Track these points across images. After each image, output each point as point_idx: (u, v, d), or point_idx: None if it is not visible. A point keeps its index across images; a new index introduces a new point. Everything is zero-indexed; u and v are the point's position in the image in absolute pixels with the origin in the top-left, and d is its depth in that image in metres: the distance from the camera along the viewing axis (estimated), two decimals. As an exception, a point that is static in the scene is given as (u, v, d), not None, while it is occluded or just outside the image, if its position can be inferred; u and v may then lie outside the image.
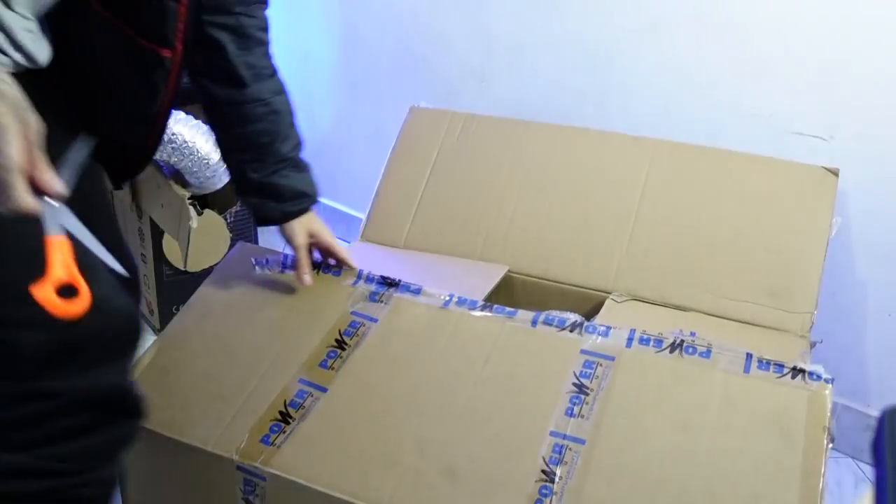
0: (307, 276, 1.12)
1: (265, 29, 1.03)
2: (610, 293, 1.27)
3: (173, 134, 1.66)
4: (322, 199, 2.36)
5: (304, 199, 1.11)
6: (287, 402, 0.97)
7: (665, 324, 1.22)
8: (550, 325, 1.04)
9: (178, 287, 1.80)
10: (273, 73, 1.05)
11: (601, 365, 0.97)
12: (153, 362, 1.06)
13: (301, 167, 1.11)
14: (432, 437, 0.92)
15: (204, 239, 1.74)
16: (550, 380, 0.97)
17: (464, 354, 1.01)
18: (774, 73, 1.50)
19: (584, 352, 0.99)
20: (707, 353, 0.97)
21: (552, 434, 0.90)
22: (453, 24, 1.94)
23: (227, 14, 0.97)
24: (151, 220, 1.82)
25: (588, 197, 1.37)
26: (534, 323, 1.04)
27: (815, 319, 1.18)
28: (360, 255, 1.31)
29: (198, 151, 1.68)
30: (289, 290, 1.15)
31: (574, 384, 0.95)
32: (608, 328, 1.02)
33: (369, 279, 1.14)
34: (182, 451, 0.96)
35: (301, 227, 1.12)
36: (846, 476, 1.55)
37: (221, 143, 1.10)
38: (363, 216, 1.48)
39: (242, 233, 2.08)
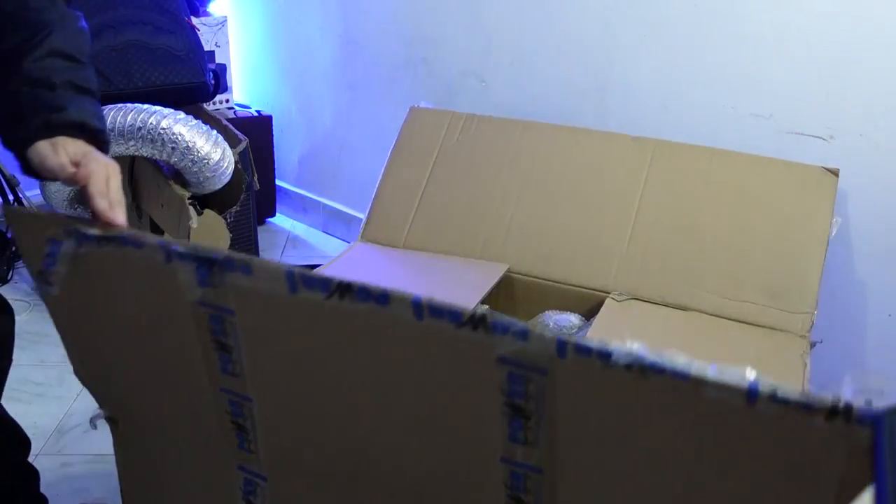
0: (118, 215, 0.77)
1: None
2: (610, 293, 1.27)
3: (173, 134, 1.66)
4: (322, 199, 2.34)
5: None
6: (230, 414, 0.82)
7: (665, 323, 1.22)
8: (440, 318, 0.62)
9: (178, 287, 1.80)
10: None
11: (532, 382, 0.62)
12: None
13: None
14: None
15: (204, 239, 1.74)
16: (474, 402, 0.66)
17: (362, 376, 0.71)
18: (774, 73, 1.50)
19: (502, 360, 0.62)
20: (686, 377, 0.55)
21: (503, 461, 0.68)
22: (453, 24, 1.94)
23: None
24: (151, 220, 1.82)
25: (588, 197, 1.37)
26: (418, 314, 0.63)
27: (815, 319, 1.18)
28: (360, 255, 1.31)
29: (198, 151, 1.68)
30: (122, 274, 0.79)
31: (507, 405, 0.65)
32: (526, 329, 0.60)
33: (180, 256, 0.73)
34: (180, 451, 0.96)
35: (57, 147, 0.77)
36: (846, 476, 1.55)
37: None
38: (363, 216, 1.48)
39: (242, 233, 2.08)
